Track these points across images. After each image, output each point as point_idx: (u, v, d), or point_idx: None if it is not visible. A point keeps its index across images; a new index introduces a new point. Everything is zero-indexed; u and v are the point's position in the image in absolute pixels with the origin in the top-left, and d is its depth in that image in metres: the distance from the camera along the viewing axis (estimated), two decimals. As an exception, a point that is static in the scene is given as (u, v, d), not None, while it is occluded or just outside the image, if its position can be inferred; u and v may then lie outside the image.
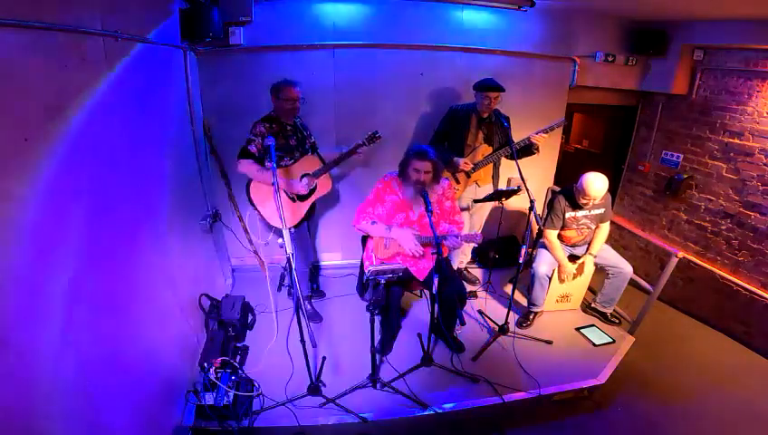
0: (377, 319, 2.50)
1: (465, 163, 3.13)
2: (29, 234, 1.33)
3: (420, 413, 2.43)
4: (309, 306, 3.21)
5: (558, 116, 3.30)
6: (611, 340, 3.11)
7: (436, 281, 2.26)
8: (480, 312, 3.35)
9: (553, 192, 3.63)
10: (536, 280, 3.10)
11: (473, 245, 3.58)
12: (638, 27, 3.78)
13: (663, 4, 3.12)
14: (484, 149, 3.20)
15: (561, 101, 3.88)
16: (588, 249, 3.16)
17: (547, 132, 3.08)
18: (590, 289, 3.44)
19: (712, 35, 3.46)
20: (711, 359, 3.32)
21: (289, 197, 2.82)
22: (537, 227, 3.11)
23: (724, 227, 3.68)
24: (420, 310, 3.38)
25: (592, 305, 3.38)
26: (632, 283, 3.19)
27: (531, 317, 3.24)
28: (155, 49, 2.37)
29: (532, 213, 2.65)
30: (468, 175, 3.24)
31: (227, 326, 2.74)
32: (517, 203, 3.70)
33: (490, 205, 3.54)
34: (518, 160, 2.88)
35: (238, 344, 2.80)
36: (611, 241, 3.73)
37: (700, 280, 3.84)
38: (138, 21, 2.15)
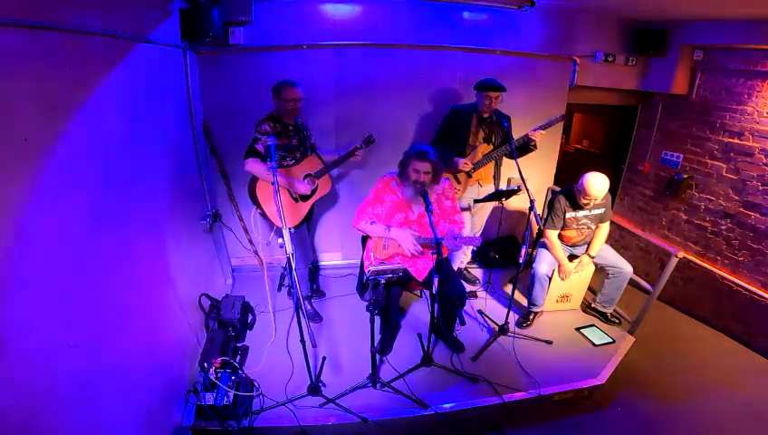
0: (377, 319, 2.49)
1: (464, 163, 3.13)
2: (29, 234, 1.32)
3: (420, 413, 2.43)
4: (309, 306, 3.21)
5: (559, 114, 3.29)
6: (611, 340, 3.11)
7: (435, 281, 2.26)
8: (480, 312, 3.35)
9: (554, 192, 3.63)
10: (536, 280, 3.10)
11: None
12: (638, 27, 3.78)
13: (663, 5, 3.12)
14: (484, 149, 3.20)
15: (562, 101, 3.88)
16: (588, 249, 3.16)
17: (545, 129, 3.08)
18: (590, 289, 3.44)
19: (712, 35, 3.46)
20: (711, 359, 3.32)
21: (292, 197, 2.82)
22: (537, 226, 3.10)
23: (724, 227, 3.68)
24: (420, 310, 3.38)
25: (592, 305, 3.38)
26: (632, 283, 3.19)
27: (531, 317, 3.24)
28: (155, 49, 2.37)
29: (532, 213, 2.65)
30: (469, 175, 3.24)
31: (227, 326, 2.74)
32: (517, 203, 3.70)
33: (491, 205, 3.54)
34: (518, 160, 2.88)
35: (238, 344, 2.80)
36: (611, 241, 3.73)
37: (700, 280, 3.84)
38: (138, 21, 2.15)
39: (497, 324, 3.08)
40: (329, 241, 3.92)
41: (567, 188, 3.07)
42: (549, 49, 3.64)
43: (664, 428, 2.62)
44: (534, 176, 3.89)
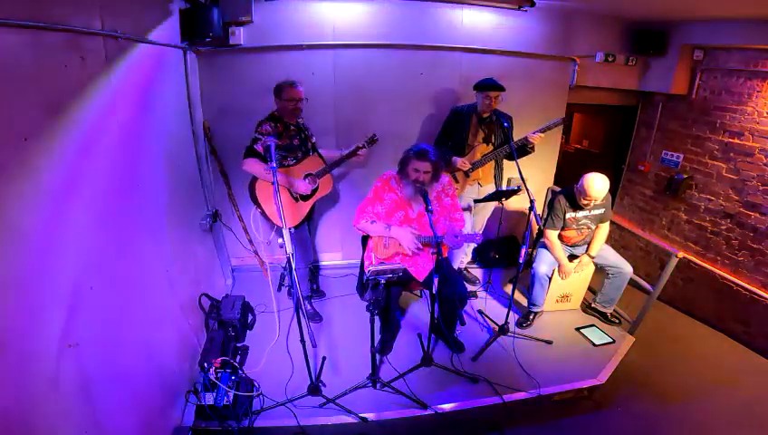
0: (377, 319, 2.49)
1: (462, 163, 3.14)
2: (28, 234, 1.33)
3: (420, 413, 2.43)
4: (309, 306, 3.21)
5: (558, 116, 3.30)
6: (611, 340, 3.11)
7: (435, 281, 2.26)
8: (480, 312, 3.35)
9: (554, 192, 3.63)
10: (536, 280, 3.10)
11: (473, 245, 3.59)
12: (638, 27, 3.78)
13: (663, 5, 3.12)
14: (483, 149, 3.20)
15: (562, 101, 3.88)
16: (588, 249, 3.16)
17: (544, 132, 3.09)
18: (590, 289, 3.44)
19: (712, 35, 3.46)
20: (711, 359, 3.32)
21: (292, 196, 2.82)
22: (537, 226, 3.11)
23: (724, 227, 3.68)
24: (420, 310, 3.38)
25: (592, 305, 3.38)
26: (632, 283, 3.19)
27: (531, 317, 3.24)
28: (155, 49, 2.38)
29: (532, 213, 2.65)
30: (467, 174, 3.24)
31: (227, 326, 2.74)
32: (517, 203, 3.70)
33: (492, 205, 3.54)
34: (518, 160, 2.89)
35: (238, 344, 2.80)
36: (611, 241, 3.73)
37: (700, 280, 3.84)
38: (138, 21, 2.16)
39: (497, 324, 3.08)
40: (329, 241, 3.92)
41: (567, 188, 3.07)
42: (549, 49, 3.64)
43: (664, 428, 2.62)
44: (534, 176, 3.89)
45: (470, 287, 3.67)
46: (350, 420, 2.36)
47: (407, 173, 2.48)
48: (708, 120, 3.74)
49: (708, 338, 3.59)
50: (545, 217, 3.16)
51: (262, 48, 3.18)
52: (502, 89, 3.02)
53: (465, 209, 3.31)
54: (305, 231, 3.07)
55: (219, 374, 2.31)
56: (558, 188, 3.76)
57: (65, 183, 1.51)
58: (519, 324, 3.22)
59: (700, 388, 2.95)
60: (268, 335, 2.94)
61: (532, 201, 2.66)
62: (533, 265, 3.14)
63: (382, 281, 2.18)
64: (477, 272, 3.99)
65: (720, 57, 3.63)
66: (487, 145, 3.21)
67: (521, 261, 2.75)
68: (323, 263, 3.97)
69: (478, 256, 4.06)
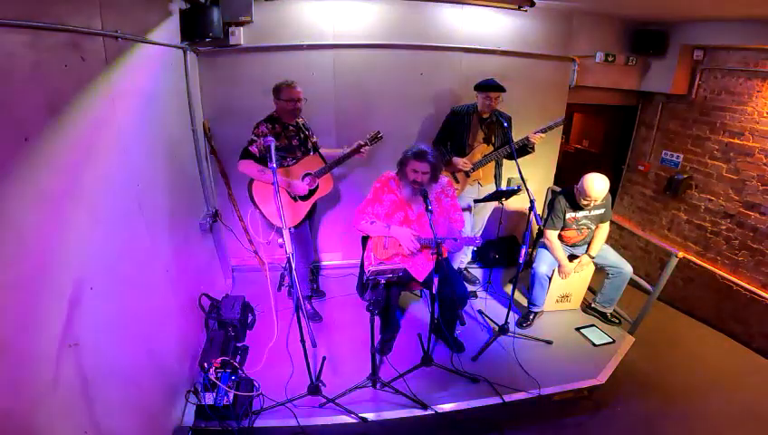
0: (377, 319, 2.49)
1: (464, 163, 3.14)
2: (28, 234, 1.32)
3: (420, 413, 2.43)
4: (309, 306, 3.21)
5: (558, 116, 3.30)
6: (611, 340, 3.11)
7: (435, 281, 2.26)
8: (480, 312, 3.35)
9: (554, 192, 3.63)
10: (536, 280, 3.10)
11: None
12: (638, 27, 3.78)
13: (663, 5, 3.12)
14: (484, 149, 3.20)
15: (562, 101, 3.88)
16: (588, 249, 3.16)
17: (545, 132, 3.09)
18: (590, 289, 3.44)
19: (712, 36, 3.47)
20: (711, 359, 3.33)
21: (291, 196, 2.82)
22: (537, 227, 3.10)
23: (724, 227, 3.68)
24: (420, 310, 3.38)
25: (592, 305, 3.38)
26: (632, 283, 3.19)
27: (531, 317, 3.24)
28: (155, 49, 2.37)
29: (532, 213, 2.65)
30: (468, 175, 3.24)
31: (227, 326, 2.74)
32: (517, 203, 3.70)
33: (492, 205, 3.54)
34: (518, 160, 2.89)
35: (238, 344, 2.80)
36: (611, 241, 3.73)
37: (700, 280, 3.84)
38: (138, 21, 2.15)
39: (497, 324, 3.08)
40: (329, 241, 3.92)
41: (567, 188, 3.07)
42: (549, 49, 3.64)
43: (664, 428, 2.62)
44: (534, 176, 3.89)
45: (470, 287, 3.67)
46: (350, 420, 2.36)
47: (405, 174, 2.48)
48: (708, 120, 3.74)
49: (708, 338, 3.60)
50: (545, 217, 3.16)
51: (262, 48, 3.18)
52: (503, 89, 3.02)
53: (465, 209, 3.31)
54: (306, 230, 3.06)
55: (219, 374, 2.32)
56: (558, 189, 3.76)
57: (65, 183, 1.51)
58: (519, 324, 3.22)
59: (700, 388, 2.95)
60: (268, 335, 2.94)
61: (532, 201, 2.66)
62: (533, 265, 3.14)
63: (382, 281, 2.18)
64: (477, 272, 3.98)
65: (720, 57, 3.63)
66: (487, 145, 3.21)
67: (521, 261, 2.75)
68: (323, 263, 3.96)
69: (478, 256, 4.06)
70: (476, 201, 3.35)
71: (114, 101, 1.87)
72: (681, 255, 2.94)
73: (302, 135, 2.83)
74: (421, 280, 2.63)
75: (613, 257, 3.17)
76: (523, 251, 2.73)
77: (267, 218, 2.83)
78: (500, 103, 3.10)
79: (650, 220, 4.40)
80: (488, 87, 3.01)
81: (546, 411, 2.66)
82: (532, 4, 3.37)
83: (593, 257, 3.14)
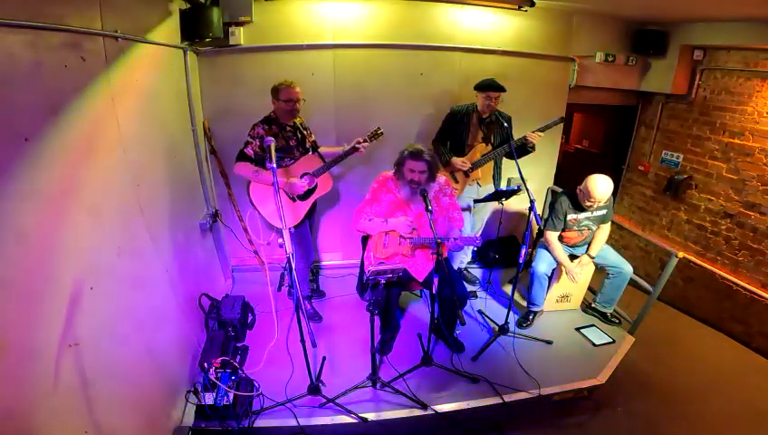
0: (377, 319, 2.49)
1: (462, 163, 3.14)
2: (28, 234, 1.33)
3: (420, 413, 2.43)
4: (309, 306, 3.21)
5: (558, 116, 3.29)
6: (611, 340, 3.11)
7: (435, 281, 2.25)
8: (480, 312, 3.35)
9: (555, 193, 3.63)
10: (535, 279, 3.09)
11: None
12: (638, 27, 3.78)
13: (663, 5, 3.12)
14: (483, 149, 3.20)
15: (561, 101, 3.88)
16: (588, 249, 3.16)
17: (544, 131, 3.09)
18: (590, 289, 3.44)
19: (712, 36, 3.47)
20: (711, 359, 3.33)
21: (289, 196, 2.82)
22: (537, 226, 3.10)
23: (724, 227, 3.68)
24: (420, 310, 3.38)
25: (592, 305, 3.38)
26: (632, 283, 3.19)
27: (531, 317, 3.24)
28: (155, 49, 2.38)
29: (531, 213, 2.65)
30: (467, 174, 3.24)
31: (227, 326, 2.74)
32: (517, 203, 3.70)
33: (492, 205, 3.54)
34: (518, 160, 2.89)
35: (238, 344, 2.80)
36: (611, 241, 3.73)
37: (700, 280, 3.84)
38: (138, 21, 2.16)
39: (497, 324, 3.08)
40: (329, 241, 3.92)
41: (569, 190, 3.07)
42: (549, 49, 3.64)
43: (664, 428, 2.62)
44: (534, 176, 3.89)
45: (470, 287, 3.67)
46: (350, 420, 2.35)
47: (403, 174, 2.48)
48: (708, 120, 3.74)
49: (708, 338, 3.60)
50: (546, 218, 3.15)
51: (262, 48, 3.18)
52: (503, 89, 3.02)
53: (464, 209, 3.31)
54: (306, 230, 3.06)
55: (219, 374, 2.32)
56: (558, 189, 3.76)
57: (66, 183, 1.51)
58: (519, 324, 3.22)
59: (700, 388, 2.95)
60: (268, 335, 2.94)
61: (532, 201, 2.66)
62: (532, 264, 3.13)
63: (382, 281, 2.18)
64: (477, 272, 3.98)
65: (720, 57, 3.63)
66: (487, 145, 3.21)
67: (521, 261, 2.75)
68: (323, 263, 3.96)
69: (478, 256, 4.06)
70: (476, 201, 3.35)
71: (114, 101, 1.87)
72: (681, 255, 2.94)
73: (299, 135, 2.83)
74: (421, 280, 2.63)
75: (613, 257, 3.17)
76: (523, 251, 2.73)
77: (266, 219, 2.82)
78: (500, 103, 3.10)
79: (650, 220, 4.40)
80: (488, 87, 3.01)
81: (546, 411, 2.66)
82: (532, 4, 3.37)
83: (593, 257, 3.14)
